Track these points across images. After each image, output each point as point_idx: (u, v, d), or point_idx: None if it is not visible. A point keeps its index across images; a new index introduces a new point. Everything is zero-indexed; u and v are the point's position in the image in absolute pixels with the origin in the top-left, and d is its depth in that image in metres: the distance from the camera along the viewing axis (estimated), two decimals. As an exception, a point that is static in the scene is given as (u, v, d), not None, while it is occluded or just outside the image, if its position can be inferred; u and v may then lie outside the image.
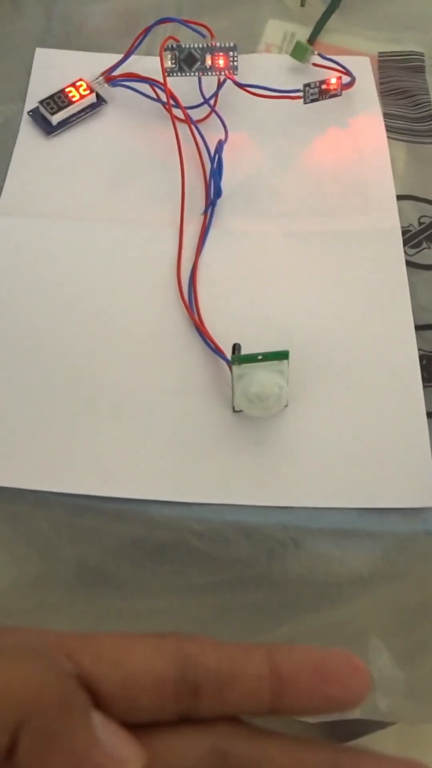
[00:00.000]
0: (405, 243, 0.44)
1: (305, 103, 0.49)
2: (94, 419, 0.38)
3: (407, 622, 0.37)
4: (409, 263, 0.43)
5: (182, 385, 0.39)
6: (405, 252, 0.44)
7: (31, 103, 0.49)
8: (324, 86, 0.49)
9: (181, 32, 0.50)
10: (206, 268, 0.43)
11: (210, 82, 0.49)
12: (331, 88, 0.49)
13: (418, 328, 0.41)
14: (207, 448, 0.37)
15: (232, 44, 0.47)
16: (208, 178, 0.46)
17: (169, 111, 0.47)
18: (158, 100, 0.49)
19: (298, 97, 0.49)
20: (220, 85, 0.49)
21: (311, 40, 0.54)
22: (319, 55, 0.51)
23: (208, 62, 0.47)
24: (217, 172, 0.45)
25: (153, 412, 0.38)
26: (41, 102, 0.48)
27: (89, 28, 0.54)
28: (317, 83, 0.49)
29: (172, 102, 0.47)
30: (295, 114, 0.50)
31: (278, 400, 0.37)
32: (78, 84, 0.49)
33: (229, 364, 0.37)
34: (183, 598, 0.36)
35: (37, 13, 0.55)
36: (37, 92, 0.49)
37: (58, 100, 0.48)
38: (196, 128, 0.47)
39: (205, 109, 0.49)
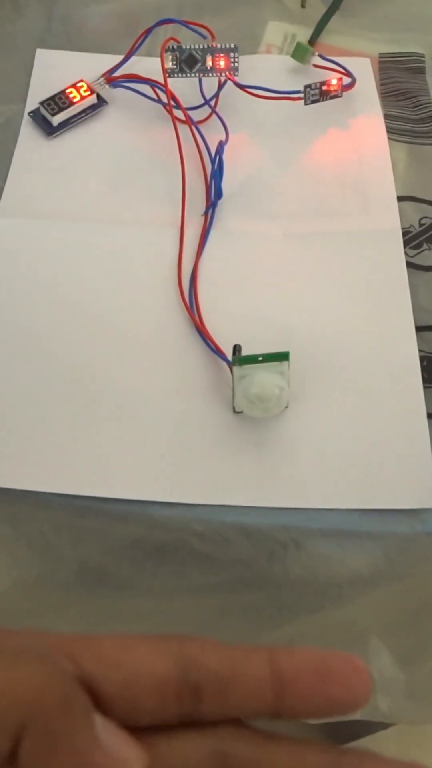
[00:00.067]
0: (405, 244, 0.44)
1: (306, 104, 0.49)
2: (95, 420, 0.38)
3: (408, 622, 0.37)
4: (409, 264, 0.43)
5: (183, 386, 0.39)
6: (405, 253, 0.44)
7: (31, 103, 0.49)
8: (324, 87, 0.49)
9: (181, 33, 0.50)
10: (207, 268, 0.43)
11: (211, 83, 0.49)
12: (332, 89, 0.49)
13: (419, 329, 0.41)
14: (207, 449, 0.37)
15: (232, 45, 0.47)
16: (208, 178, 0.46)
17: (170, 112, 0.47)
18: (159, 101, 0.49)
19: (299, 98, 0.49)
20: (220, 86, 0.49)
21: (312, 41, 0.54)
22: (320, 56, 0.51)
23: (209, 63, 0.47)
24: (217, 173, 0.45)
25: (153, 413, 0.38)
26: (42, 103, 0.48)
27: (90, 28, 0.54)
28: (318, 84, 0.49)
29: (172, 103, 0.47)
30: (295, 115, 0.50)
31: (279, 401, 0.37)
32: (79, 85, 0.49)
33: (230, 365, 0.37)
34: (183, 598, 0.36)
35: (37, 13, 0.55)
36: (37, 93, 0.49)
37: (58, 101, 0.48)
38: (197, 129, 0.47)
39: (206, 110, 0.49)
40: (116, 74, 0.50)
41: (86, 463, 0.36)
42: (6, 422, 0.38)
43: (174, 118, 0.47)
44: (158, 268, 0.43)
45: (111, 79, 0.50)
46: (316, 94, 0.49)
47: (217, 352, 0.39)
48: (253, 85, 0.49)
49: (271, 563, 0.35)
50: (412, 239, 0.45)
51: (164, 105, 0.48)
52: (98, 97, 0.50)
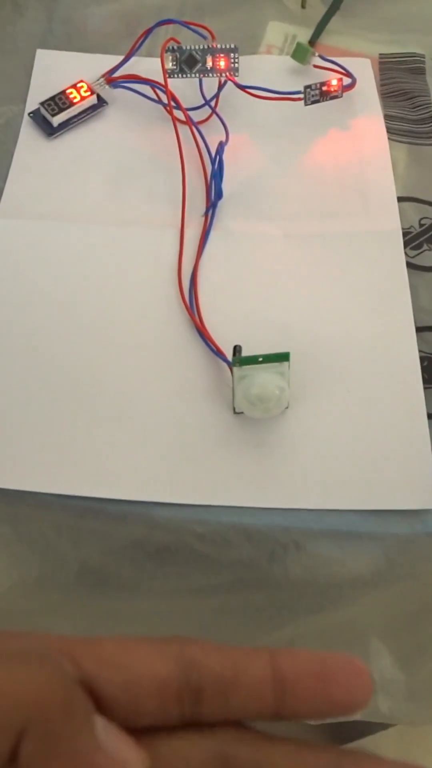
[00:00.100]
0: (406, 245, 0.44)
1: (306, 104, 0.49)
2: (95, 421, 0.38)
3: (408, 624, 0.37)
4: (409, 265, 0.43)
5: (183, 387, 0.39)
6: (406, 254, 0.44)
7: (32, 104, 0.49)
8: (325, 88, 0.49)
9: (182, 34, 0.50)
10: (207, 269, 0.43)
11: (211, 84, 0.49)
12: (332, 89, 0.49)
13: (419, 329, 0.41)
14: (208, 450, 0.37)
15: (233, 46, 0.47)
16: (208, 179, 0.46)
17: (170, 112, 0.47)
18: (159, 101, 0.49)
19: (299, 99, 0.49)
20: (221, 86, 0.49)
21: (312, 41, 0.54)
22: (320, 56, 0.51)
23: (209, 64, 0.47)
24: (218, 173, 0.45)
25: (154, 413, 0.38)
26: (42, 103, 0.48)
27: (90, 29, 0.54)
28: (318, 85, 0.49)
29: (173, 103, 0.47)
30: (295, 115, 0.50)
31: (279, 402, 0.37)
32: (79, 85, 0.49)
33: (230, 365, 0.37)
34: (184, 599, 0.36)
35: (38, 14, 0.55)
36: (38, 93, 0.49)
37: (59, 101, 0.48)
38: (197, 130, 0.47)
39: (206, 111, 0.49)
40: (116, 75, 0.50)
41: (86, 464, 0.36)
42: (6, 423, 0.38)
43: (174, 119, 0.47)
44: (158, 269, 0.43)
45: (111, 79, 0.50)
46: (317, 94, 0.49)
47: (217, 352, 0.39)
48: (254, 85, 0.49)
49: (272, 564, 0.35)
50: (412, 240, 0.45)
51: (164, 105, 0.48)
52: (98, 97, 0.50)
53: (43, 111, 0.48)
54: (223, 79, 0.49)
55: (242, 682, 0.20)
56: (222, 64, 0.47)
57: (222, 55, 0.47)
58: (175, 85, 0.47)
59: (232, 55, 0.47)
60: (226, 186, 0.46)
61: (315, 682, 0.20)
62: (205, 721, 0.20)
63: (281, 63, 0.52)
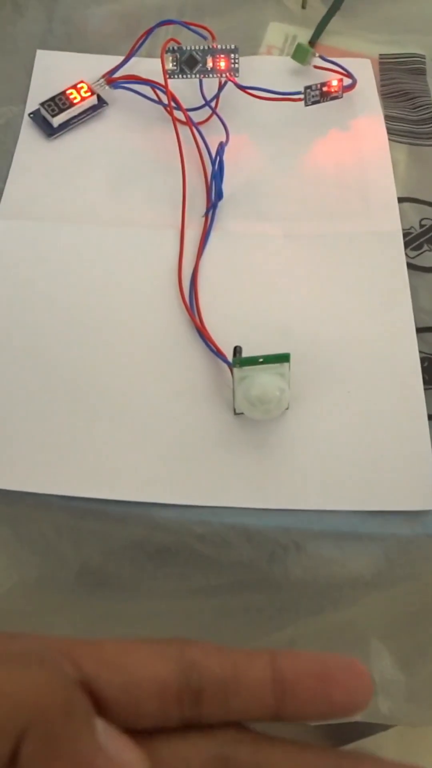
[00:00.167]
0: (406, 245, 0.44)
1: (306, 105, 0.49)
2: (95, 421, 0.38)
3: (409, 624, 0.37)
4: (410, 266, 0.43)
5: (183, 388, 0.39)
6: (406, 254, 0.44)
7: (32, 104, 0.49)
8: (325, 88, 0.49)
9: (182, 34, 0.50)
10: (207, 270, 0.43)
11: (211, 84, 0.49)
12: (332, 90, 0.49)
13: (419, 330, 0.41)
14: (208, 451, 0.37)
15: (233, 46, 0.47)
16: (209, 180, 0.46)
17: (171, 113, 0.47)
18: (159, 102, 0.49)
19: (299, 99, 0.49)
20: (221, 87, 0.49)
21: (312, 42, 0.54)
22: (320, 57, 0.51)
23: (210, 64, 0.47)
24: (218, 174, 0.45)
25: (154, 414, 0.38)
26: (42, 104, 0.48)
27: (90, 30, 0.54)
28: (318, 85, 0.49)
29: (173, 104, 0.47)
30: (296, 116, 0.50)
31: (279, 403, 0.37)
32: (79, 86, 0.49)
33: (230, 366, 0.37)
34: (184, 600, 0.36)
35: (38, 14, 0.55)
36: (38, 94, 0.50)
37: (59, 101, 0.48)
38: (197, 130, 0.47)
39: (207, 111, 0.49)
40: (117, 75, 0.50)
41: (87, 465, 0.36)
42: (6, 424, 0.38)
43: (174, 119, 0.47)
44: (158, 270, 0.43)
45: (111, 80, 0.50)
46: (317, 95, 0.49)
47: (218, 353, 0.39)
48: (254, 86, 0.49)
49: (272, 565, 0.35)
50: (412, 240, 0.45)
51: (165, 106, 0.48)
52: (99, 98, 0.50)
53: (43, 111, 0.48)
54: (223, 80, 0.49)
55: (242, 684, 0.20)
56: (222, 64, 0.47)
57: (222, 55, 0.47)
58: (176, 85, 0.47)
59: (232, 55, 0.47)
60: (226, 186, 0.46)
61: (315, 683, 0.20)
62: (206, 723, 0.20)
63: (281, 63, 0.52)
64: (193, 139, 0.47)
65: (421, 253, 0.44)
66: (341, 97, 0.50)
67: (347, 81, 0.50)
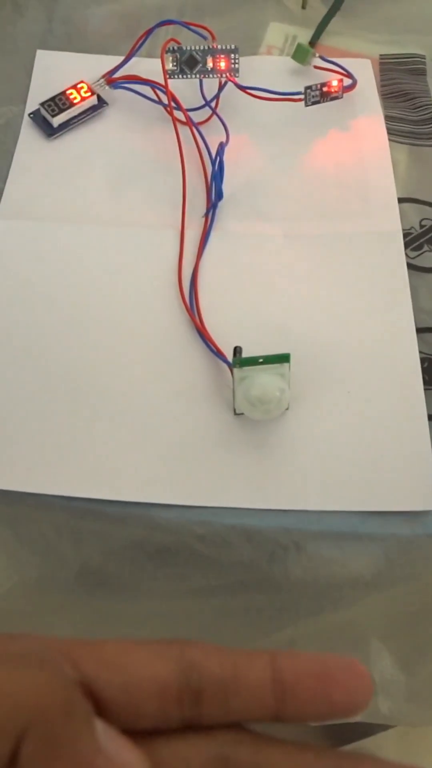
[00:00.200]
0: (406, 246, 0.44)
1: (306, 105, 0.49)
2: (95, 422, 0.38)
3: (409, 625, 0.37)
4: (410, 266, 0.43)
5: (183, 388, 0.39)
6: (406, 255, 0.44)
7: (32, 105, 0.49)
8: (325, 89, 0.49)
9: (182, 34, 0.50)
10: (207, 270, 0.43)
11: (211, 85, 0.49)
12: (333, 90, 0.49)
13: (419, 331, 0.41)
14: (208, 451, 0.37)
15: (233, 46, 0.47)
16: (209, 180, 0.46)
17: (171, 113, 0.47)
18: (159, 102, 0.49)
19: (300, 100, 0.49)
20: (221, 87, 0.49)
21: (312, 42, 0.54)
22: (321, 57, 0.51)
23: (210, 64, 0.47)
24: (218, 174, 0.45)
25: (154, 414, 0.38)
26: (42, 104, 0.48)
27: (90, 30, 0.54)
28: (318, 86, 0.49)
29: (173, 104, 0.47)
30: (296, 116, 0.50)
31: (279, 403, 0.37)
32: (79, 86, 0.49)
33: (230, 367, 0.37)
34: (184, 600, 0.36)
35: (38, 14, 0.55)
36: (38, 94, 0.49)
37: (59, 102, 0.48)
38: (198, 130, 0.47)
39: (207, 112, 0.49)
40: (117, 75, 0.50)
41: (87, 465, 0.36)
42: (6, 424, 0.38)
43: (174, 120, 0.47)
44: (159, 270, 0.43)
45: (111, 80, 0.50)
46: (317, 95, 0.49)
47: (218, 353, 0.39)
48: (254, 86, 0.49)
49: (272, 565, 0.35)
50: (412, 241, 0.45)
51: (165, 106, 0.48)
52: (99, 98, 0.50)
53: (43, 111, 0.48)
54: (223, 80, 0.49)
55: (242, 684, 0.20)
56: (222, 64, 0.47)
57: (222, 55, 0.47)
58: (176, 85, 0.47)
59: (232, 55, 0.47)
60: (226, 187, 0.46)
61: (315, 683, 0.20)
62: (206, 723, 0.19)
63: (282, 64, 0.52)
64: (193, 140, 0.47)
65: (422, 253, 0.44)
66: (341, 98, 0.50)
67: (347, 81, 0.50)
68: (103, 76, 0.50)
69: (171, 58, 0.47)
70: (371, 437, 0.38)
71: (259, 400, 0.36)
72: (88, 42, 0.54)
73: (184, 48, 0.47)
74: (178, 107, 0.47)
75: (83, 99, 0.49)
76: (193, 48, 0.47)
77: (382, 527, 0.35)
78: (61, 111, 0.48)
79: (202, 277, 0.43)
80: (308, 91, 0.49)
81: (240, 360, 0.36)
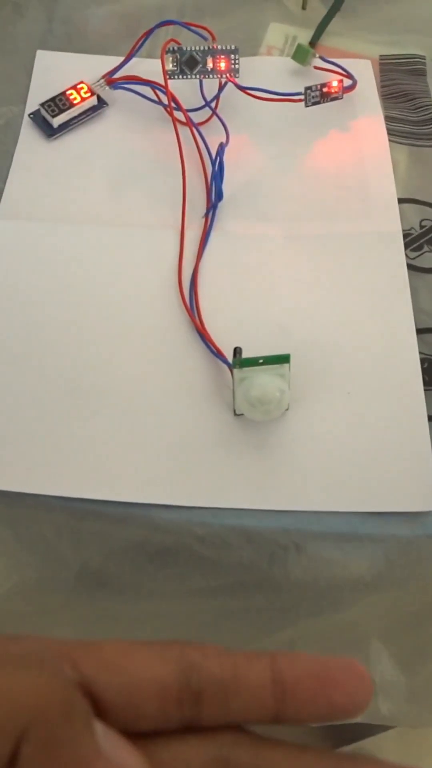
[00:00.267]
0: (406, 246, 0.44)
1: (306, 106, 0.49)
2: (96, 422, 0.38)
3: (409, 626, 0.37)
4: (410, 266, 0.43)
5: (183, 389, 0.39)
6: (406, 255, 0.44)
7: (32, 105, 0.49)
8: (325, 89, 0.49)
9: (182, 35, 0.50)
10: (207, 271, 0.43)
11: (211, 85, 0.49)
12: (333, 91, 0.49)
13: (420, 331, 0.41)
14: (208, 452, 0.37)
15: (233, 47, 0.47)
16: (209, 180, 0.46)
17: (171, 113, 0.47)
18: (159, 102, 0.49)
19: (300, 100, 0.49)
20: (221, 87, 0.49)
21: (313, 42, 0.54)
22: (321, 57, 0.51)
23: (210, 65, 0.47)
24: (218, 174, 0.45)
25: (154, 415, 0.38)
26: (42, 104, 0.48)
27: (90, 30, 0.54)
28: (318, 86, 0.49)
29: (173, 104, 0.47)
30: (296, 117, 0.50)
31: (279, 404, 0.37)
32: (79, 86, 0.49)
33: (230, 367, 0.37)
34: (184, 602, 0.36)
35: (38, 15, 0.55)
36: (38, 94, 0.49)
37: (59, 102, 0.48)
38: (198, 131, 0.47)
39: (207, 112, 0.49)
40: (117, 76, 0.50)
41: (87, 466, 0.36)
42: (6, 424, 0.38)
43: (174, 120, 0.47)
44: (159, 271, 0.43)
45: (111, 80, 0.50)
46: (317, 95, 0.49)
47: (218, 354, 0.39)
48: (254, 86, 0.49)
49: (272, 566, 0.35)
50: (412, 241, 0.45)
51: (165, 107, 0.48)
52: (99, 98, 0.50)
53: (43, 112, 0.48)
54: (223, 81, 0.49)
55: (242, 685, 0.20)
56: (222, 65, 0.47)
57: (222, 56, 0.47)
58: (176, 86, 0.47)
59: (232, 56, 0.47)
60: (226, 187, 0.46)
61: (315, 684, 0.20)
62: (205, 725, 0.19)
63: (282, 64, 0.52)
64: (193, 140, 0.47)
65: (422, 254, 0.44)
66: (341, 98, 0.50)
67: (347, 82, 0.50)
68: (103, 77, 0.50)
69: (171, 59, 0.47)
70: (371, 438, 0.37)
71: (259, 400, 0.36)
72: (88, 42, 0.54)
73: (184, 48, 0.47)
74: (178, 108, 0.47)
75: (83, 99, 0.49)
76: (193, 48, 0.47)
77: (382, 528, 0.35)
78: (61, 111, 0.48)
79: (202, 277, 0.43)
80: (308, 91, 0.49)
81: (240, 360, 0.36)
